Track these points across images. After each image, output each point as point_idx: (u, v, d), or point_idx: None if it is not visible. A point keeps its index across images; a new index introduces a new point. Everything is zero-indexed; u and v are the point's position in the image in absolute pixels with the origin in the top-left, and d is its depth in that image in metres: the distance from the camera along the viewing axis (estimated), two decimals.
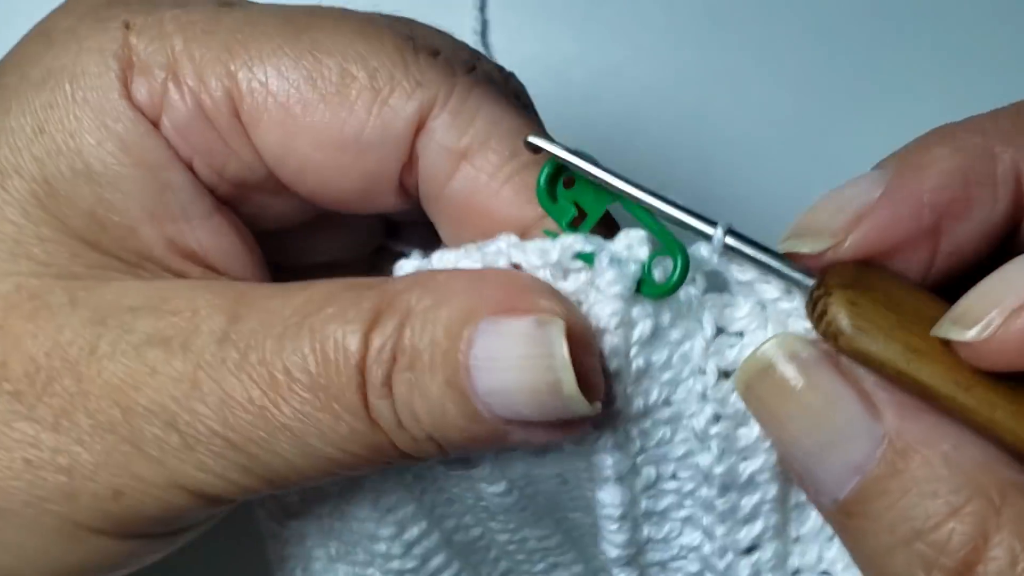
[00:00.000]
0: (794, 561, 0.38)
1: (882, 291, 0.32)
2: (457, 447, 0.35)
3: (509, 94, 0.41)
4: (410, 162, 0.38)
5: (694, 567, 0.40)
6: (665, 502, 0.38)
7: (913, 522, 0.31)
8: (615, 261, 0.34)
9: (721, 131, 0.63)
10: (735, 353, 0.35)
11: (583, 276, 0.35)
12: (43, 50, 0.38)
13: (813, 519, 0.38)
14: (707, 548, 0.39)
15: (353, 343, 0.34)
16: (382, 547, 0.43)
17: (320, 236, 0.45)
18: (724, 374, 0.35)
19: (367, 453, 0.35)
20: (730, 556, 0.38)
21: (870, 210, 0.33)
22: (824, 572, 0.38)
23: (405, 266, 0.37)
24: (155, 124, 0.37)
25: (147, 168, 0.37)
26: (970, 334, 0.30)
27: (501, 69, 0.43)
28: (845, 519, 0.33)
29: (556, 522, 0.43)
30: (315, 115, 0.37)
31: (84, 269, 0.37)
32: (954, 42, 0.64)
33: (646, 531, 0.39)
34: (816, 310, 0.32)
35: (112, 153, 0.37)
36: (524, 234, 0.37)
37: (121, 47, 0.37)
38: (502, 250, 0.36)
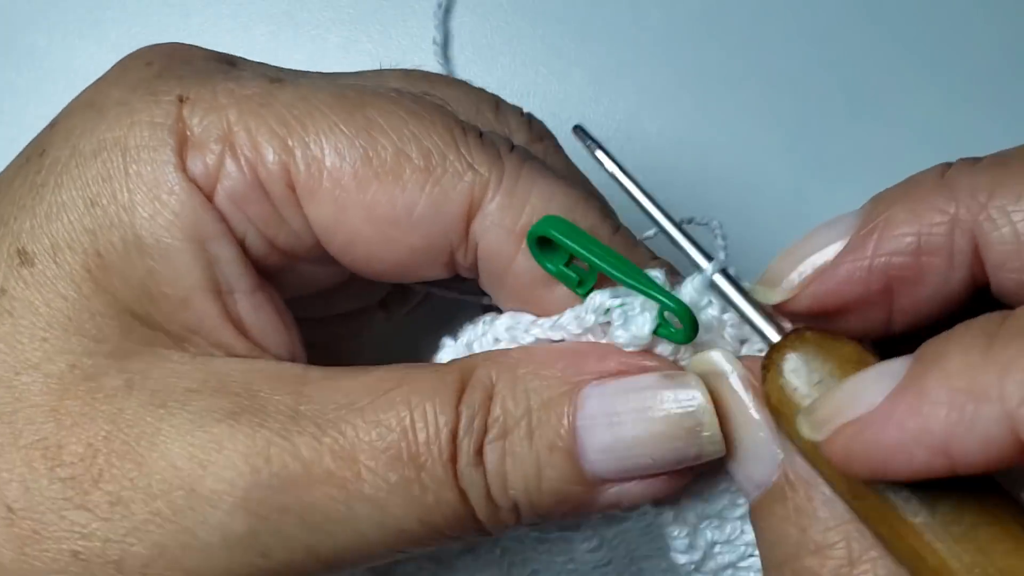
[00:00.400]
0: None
1: (822, 371, 0.35)
2: (542, 514, 0.37)
3: (536, 139, 0.43)
4: (464, 242, 0.39)
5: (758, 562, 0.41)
6: (720, 504, 0.40)
7: (786, 547, 0.34)
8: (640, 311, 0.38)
9: (721, 132, 0.63)
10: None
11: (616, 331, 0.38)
12: (94, 123, 0.38)
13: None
14: None
15: (445, 415, 0.35)
16: None
17: (339, 291, 0.45)
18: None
19: (446, 525, 0.36)
20: None
21: (826, 269, 0.35)
22: None
23: (447, 350, 0.40)
24: (209, 197, 0.37)
25: (199, 241, 0.37)
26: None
27: (524, 115, 0.44)
28: (752, 519, 0.36)
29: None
30: (368, 192, 0.37)
31: (135, 345, 0.37)
32: (953, 44, 0.64)
33: (708, 535, 0.40)
34: (763, 363, 0.36)
35: (165, 226, 0.37)
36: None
37: (176, 121, 0.37)
38: (528, 327, 0.39)
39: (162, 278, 0.37)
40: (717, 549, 0.41)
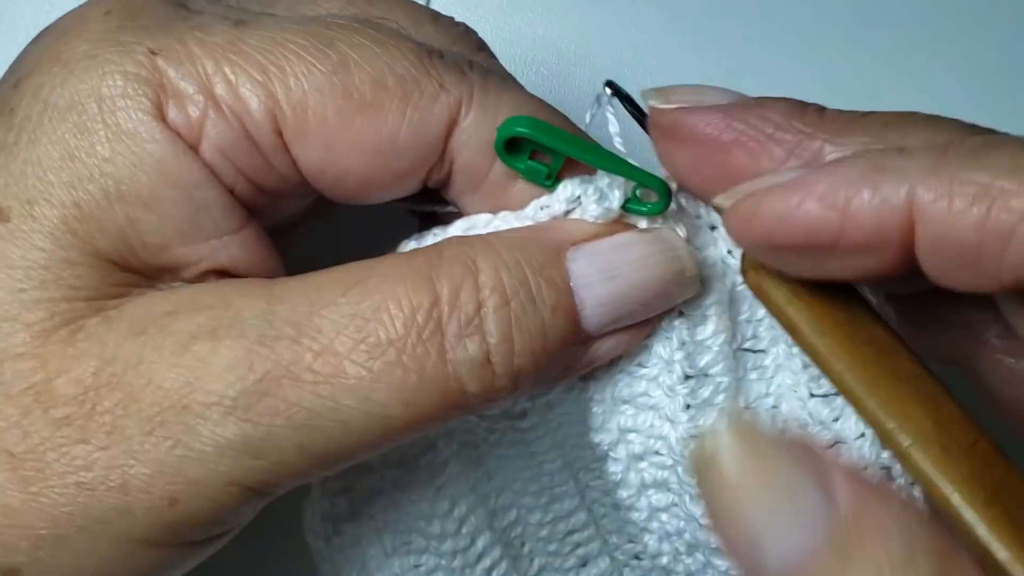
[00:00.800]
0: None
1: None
2: (543, 378, 0.38)
3: (476, 50, 0.45)
4: (442, 159, 0.40)
5: (667, 460, 0.42)
6: (636, 388, 0.41)
7: None
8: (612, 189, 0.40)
9: None
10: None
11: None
12: (63, 77, 0.38)
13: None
14: (671, 434, 0.41)
15: (418, 295, 0.36)
16: (436, 527, 0.44)
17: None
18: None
19: (431, 405, 0.36)
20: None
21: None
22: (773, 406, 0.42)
23: (411, 243, 0.41)
24: (194, 147, 0.38)
25: (182, 188, 0.37)
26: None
27: (461, 26, 0.45)
28: None
29: (576, 481, 0.46)
30: (353, 127, 0.38)
31: (113, 288, 0.38)
32: (954, 44, 0.64)
33: (621, 420, 0.42)
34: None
35: (148, 175, 0.37)
36: None
37: (151, 72, 0.37)
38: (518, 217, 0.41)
39: (143, 227, 0.37)
40: (631, 437, 0.41)
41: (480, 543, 0.45)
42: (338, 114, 0.38)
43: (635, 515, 0.43)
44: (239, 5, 0.42)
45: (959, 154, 0.32)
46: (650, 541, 0.44)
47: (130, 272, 0.38)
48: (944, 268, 0.33)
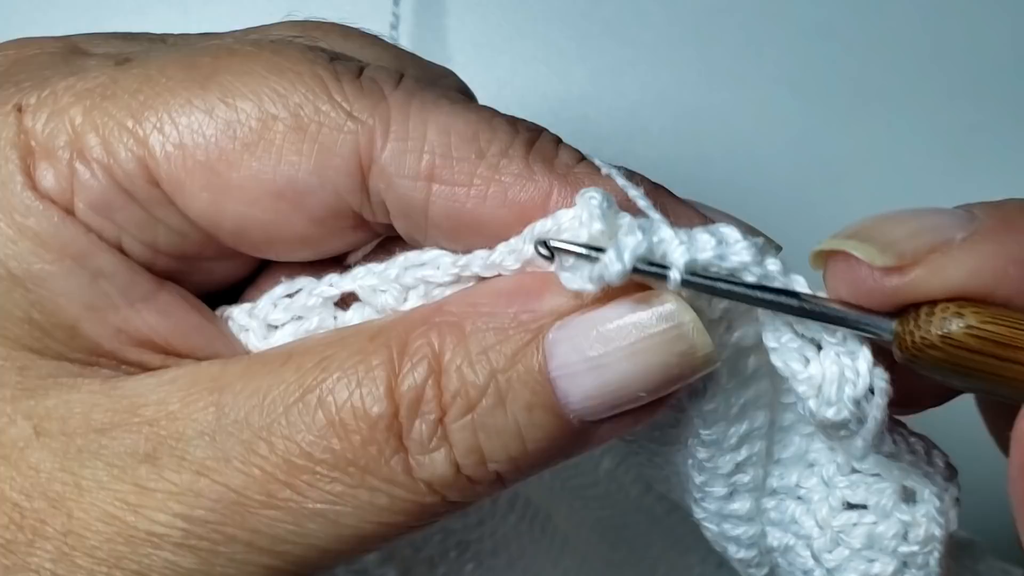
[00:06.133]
0: (772, 482, 0.38)
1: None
2: (531, 472, 0.34)
3: (441, 87, 0.38)
4: (367, 200, 0.35)
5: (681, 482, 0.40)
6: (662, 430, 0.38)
7: None
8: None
9: (721, 131, 0.63)
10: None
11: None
12: None
13: (796, 444, 0.38)
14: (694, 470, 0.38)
15: (376, 404, 0.32)
16: None
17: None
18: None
19: (410, 518, 0.33)
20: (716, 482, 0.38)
21: (956, 245, 0.31)
22: (799, 496, 0.38)
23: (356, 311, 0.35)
24: (69, 210, 0.34)
25: (72, 259, 0.34)
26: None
27: (421, 62, 0.40)
28: None
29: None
30: (241, 169, 0.33)
31: (38, 381, 0.34)
32: (955, 44, 0.64)
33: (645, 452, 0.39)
34: (921, 314, 0.31)
35: (31, 251, 0.33)
36: (522, 226, 0.34)
37: (17, 133, 0.34)
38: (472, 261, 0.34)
39: (44, 307, 0.34)
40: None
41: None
42: (221, 156, 0.33)
43: None
44: (143, 42, 0.38)
45: None
46: None
47: (55, 359, 0.34)
48: None
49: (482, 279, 0.34)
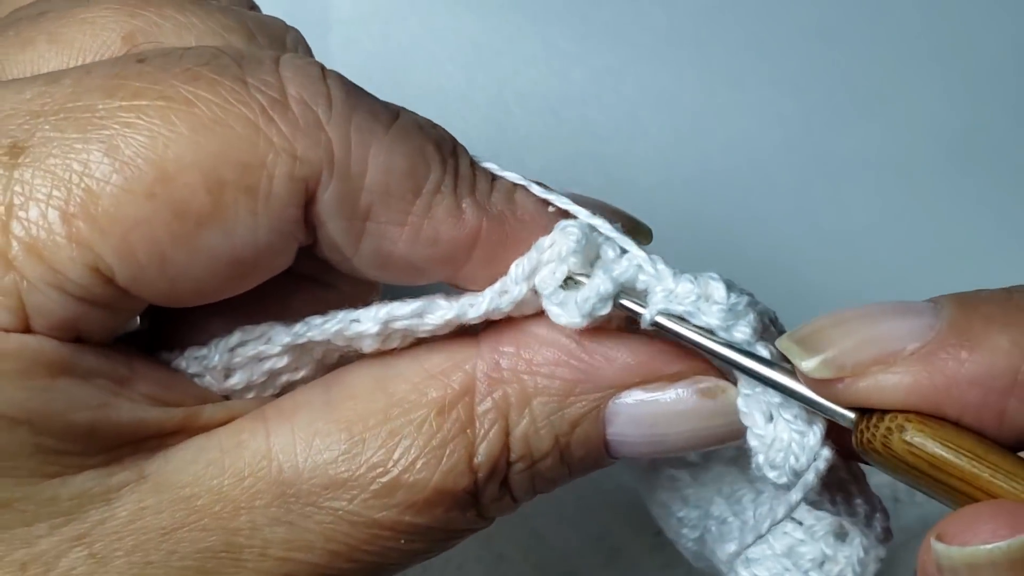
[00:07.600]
0: (740, 463, 0.40)
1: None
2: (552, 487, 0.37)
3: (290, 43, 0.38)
4: (305, 230, 0.34)
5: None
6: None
7: None
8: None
9: (722, 131, 0.63)
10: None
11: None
12: None
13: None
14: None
15: (459, 480, 0.34)
16: None
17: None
18: None
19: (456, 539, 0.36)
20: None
21: (901, 359, 0.31)
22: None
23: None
24: (32, 330, 0.31)
25: (62, 374, 0.32)
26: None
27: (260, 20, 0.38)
28: None
29: None
30: (200, 250, 0.32)
31: (70, 502, 0.32)
32: (956, 43, 0.64)
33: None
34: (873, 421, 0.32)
35: (22, 387, 0.31)
36: (460, 264, 0.35)
37: None
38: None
39: (55, 428, 0.32)
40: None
41: None
42: (173, 242, 0.31)
43: None
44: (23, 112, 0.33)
45: None
46: None
47: (78, 472, 0.33)
48: None
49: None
